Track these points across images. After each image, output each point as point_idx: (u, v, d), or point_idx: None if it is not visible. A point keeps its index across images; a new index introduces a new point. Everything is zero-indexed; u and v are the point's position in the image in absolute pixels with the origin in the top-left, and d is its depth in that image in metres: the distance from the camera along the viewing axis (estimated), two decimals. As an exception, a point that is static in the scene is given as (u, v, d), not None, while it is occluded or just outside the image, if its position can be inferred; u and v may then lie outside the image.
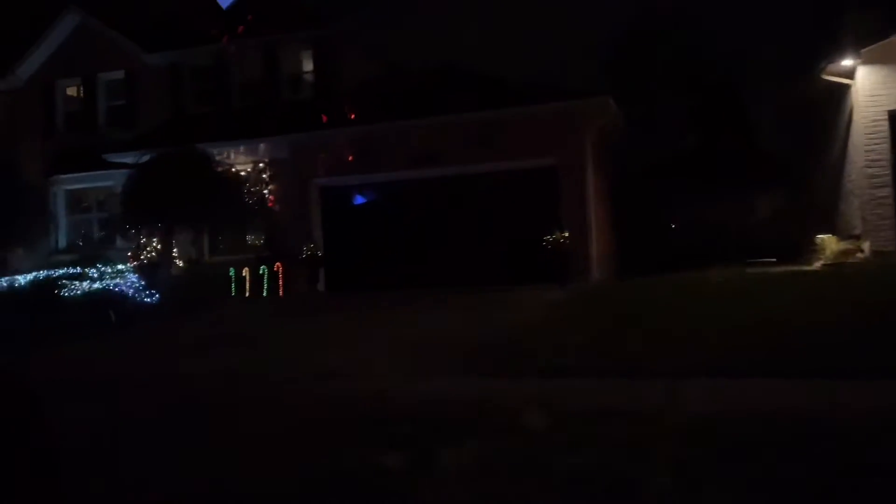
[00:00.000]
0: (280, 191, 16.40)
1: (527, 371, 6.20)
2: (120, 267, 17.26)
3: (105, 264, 18.04)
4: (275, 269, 15.31)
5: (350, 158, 15.27)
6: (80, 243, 19.87)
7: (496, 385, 5.83)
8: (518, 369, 6.36)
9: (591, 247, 13.72)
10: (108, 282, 16.09)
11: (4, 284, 16.66)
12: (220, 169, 14.62)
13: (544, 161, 13.89)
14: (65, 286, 14.51)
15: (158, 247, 16.73)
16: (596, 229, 14.03)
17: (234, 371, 7.25)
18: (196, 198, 13.30)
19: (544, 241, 13.08)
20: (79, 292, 14.06)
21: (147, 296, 12.96)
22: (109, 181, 19.11)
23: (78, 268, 17.64)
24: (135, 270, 16.63)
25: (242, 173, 15.35)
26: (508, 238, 14.24)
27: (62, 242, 19.78)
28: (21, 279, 18.08)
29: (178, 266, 17.10)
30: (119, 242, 19.25)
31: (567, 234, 13.03)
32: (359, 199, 15.74)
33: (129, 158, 17.29)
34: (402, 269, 14.84)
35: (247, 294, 15.50)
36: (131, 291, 12.96)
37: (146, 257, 16.64)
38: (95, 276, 16.98)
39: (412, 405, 5.15)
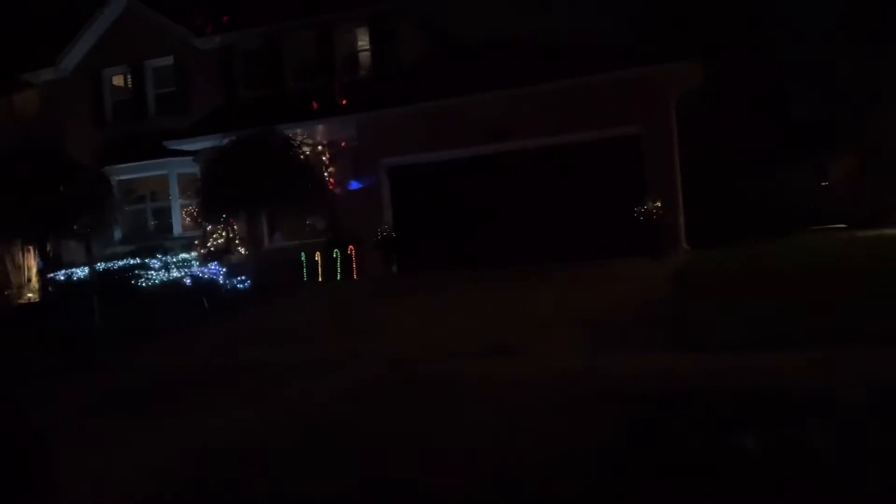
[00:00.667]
0: (345, 172, 16.04)
1: (719, 343, 5.85)
2: (184, 256, 17.00)
3: (165, 254, 17.79)
4: (348, 251, 14.99)
5: (419, 136, 14.88)
6: (135, 234, 19.58)
7: (707, 360, 5.49)
8: (702, 342, 6.01)
9: (679, 217, 13.33)
10: (176, 271, 15.83)
11: (77, 276, 16.43)
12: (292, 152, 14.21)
13: (626, 130, 13.48)
14: (139, 277, 14.23)
15: (224, 233, 16.47)
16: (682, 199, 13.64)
17: (400, 353, 6.96)
18: (278, 181, 12.93)
19: (635, 212, 12.69)
20: (156, 282, 13.78)
21: (232, 283, 12.61)
22: (163, 170, 18.83)
23: (137, 258, 17.41)
24: (201, 258, 16.38)
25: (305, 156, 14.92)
26: (589, 212, 13.84)
27: (118, 234, 19.48)
28: (79, 272, 17.86)
29: (240, 253, 16.83)
30: (177, 231, 18.99)
31: (659, 205, 12.63)
32: (428, 178, 15.30)
33: (188, 145, 16.99)
34: (475, 247, 14.52)
35: (319, 278, 15.21)
36: (218, 279, 12.59)
37: (213, 245, 16.39)
38: (157, 266, 16.73)
39: (637, 380, 4.82)
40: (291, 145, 13.83)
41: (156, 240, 18.75)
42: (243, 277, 12.96)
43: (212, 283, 12.16)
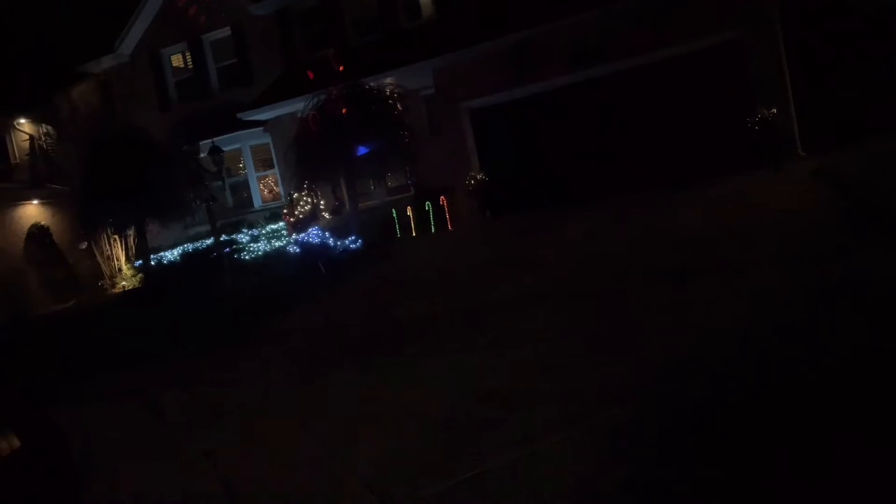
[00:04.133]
0: (422, 122, 15.54)
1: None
2: (272, 227, 16.86)
3: (249, 228, 17.71)
4: (440, 202, 14.58)
5: (500, 74, 14.22)
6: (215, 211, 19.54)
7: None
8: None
9: (793, 123, 12.45)
10: (269, 242, 15.70)
11: (168, 258, 16.52)
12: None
13: (727, 36, 12.58)
14: (240, 251, 14.12)
15: (310, 199, 16.22)
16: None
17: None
18: (376, 135, 12.49)
19: (748, 122, 11.88)
20: (259, 254, 13.65)
21: (343, 245, 12.33)
22: (236, 144, 18.64)
23: (223, 235, 17.36)
24: (290, 227, 16.22)
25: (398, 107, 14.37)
26: (691, 130, 13.09)
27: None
28: (169, 255, 17.96)
29: (325, 218, 16.60)
30: (257, 204, 18.89)
31: (774, 111, 11.79)
32: (513, 117, 14.66)
33: (260, 115, 16.68)
34: (572, 183, 13.93)
35: (413, 233, 14.87)
36: (328, 242, 12.31)
37: (301, 212, 16.19)
38: (247, 239, 16.65)
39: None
40: (384, 97, 13.28)
41: (236, 215, 18.71)
42: (353, 238, 12.66)
43: (323, 246, 11.88)
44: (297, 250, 12.28)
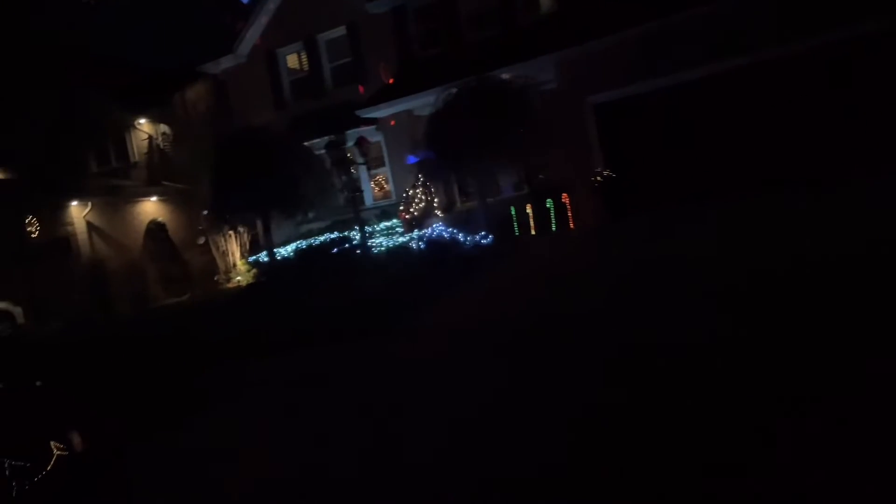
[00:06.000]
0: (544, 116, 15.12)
1: None
2: (385, 224, 16.83)
3: (362, 226, 17.73)
4: (562, 200, 14.14)
5: (628, 67, 13.67)
6: (326, 209, 19.71)
7: None
8: None
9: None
10: (385, 239, 15.65)
11: (282, 255, 16.74)
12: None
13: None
14: (359, 246, 14.11)
15: (425, 196, 16.10)
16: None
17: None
18: (508, 129, 12.20)
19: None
20: (382, 250, 13.59)
21: (473, 240, 12.08)
22: (349, 142, 18.74)
23: (335, 232, 17.46)
24: (405, 224, 16.14)
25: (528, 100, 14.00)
26: (855, 122, 12.09)
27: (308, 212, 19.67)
28: (283, 251, 18.17)
29: (437, 216, 16.42)
30: (369, 202, 18.94)
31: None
32: (643, 112, 14.08)
33: (377, 112, 16.68)
34: (700, 182, 13.20)
35: (532, 231, 14.49)
36: (458, 238, 12.09)
37: (416, 209, 16.09)
38: (356, 237, 16.66)
39: None
40: (515, 90, 12.96)
41: (347, 213, 18.77)
42: (483, 233, 12.41)
43: (452, 242, 11.67)
44: (422, 246, 12.09)
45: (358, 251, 13.94)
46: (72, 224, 20.83)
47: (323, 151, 16.80)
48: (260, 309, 11.59)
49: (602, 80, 14.06)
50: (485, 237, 12.25)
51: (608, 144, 14.44)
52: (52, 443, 3.37)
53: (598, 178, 13.61)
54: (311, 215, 19.51)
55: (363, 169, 19.04)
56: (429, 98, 15.61)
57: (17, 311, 19.23)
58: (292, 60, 20.30)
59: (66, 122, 23.77)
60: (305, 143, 16.28)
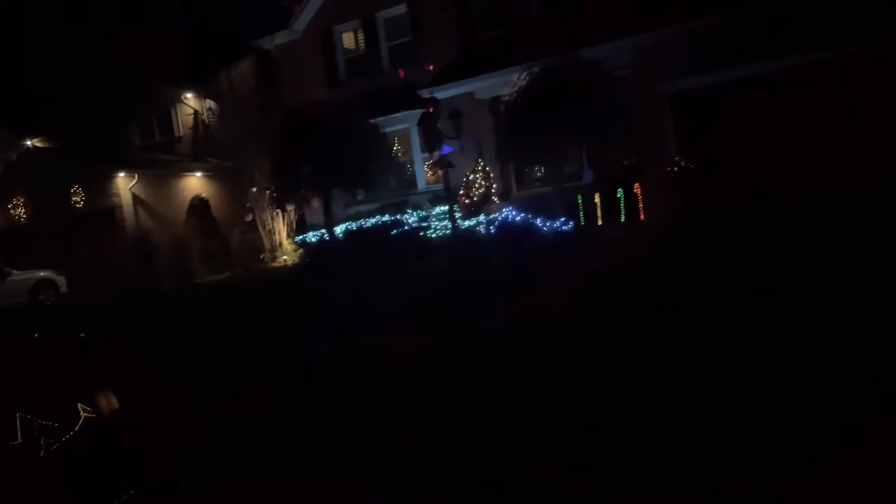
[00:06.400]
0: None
1: None
2: (441, 209, 16.37)
3: (414, 209, 17.32)
4: (633, 190, 13.60)
5: (708, 55, 13.09)
6: (377, 191, 19.33)
7: None
8: None
9: None
10: (439, 223, 15.23)
11: (327, 235, 16.39)
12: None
13: None
14: (421, 228, 13.69)
15: (485, 181, 15.65)
16: None
17: None
18: (590, 114, 11.67)
19: None
20: (444, 234, 13.15)
21: (550, 226, 11.60)
22: (404, 123, 18.32)
23: (387, 215, 17.06)
24: (463, 210, 15.70)
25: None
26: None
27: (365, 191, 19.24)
28: (337, 230, 17.80)
29: (495, 202, 15.96)
30: (421, 186, 18.51)
31: None
32: (721, 103, 13.49)
33: (440, 93, 16.20)
34: (779, 180, 12.59)
35: (599, 221, 13.96)
36: (535, 223, 11.61)
37: (475, 194, 15.64)
38: (415, 220, 16.25)
39: None
40: (600, 73, 12.41)
41: (398, 196, 18.38)
42: (563, 219, 11.93)
43: (526, 227, 11.18)
44: (492, 230, 11.62)
45: (421, 233, 13.49)
46: (118, 195, 20.63)
47: (387, 130, 16.40)
48: (324, 288, 11.17)
49: (680, 68, 13.49)
50: (565, 223, 11.74)
51: (683, 135, 13.88)
52: (79, 405, 3.30)
53: (675, 169, 13.05)
54: (360, 196, 19.17)
55: (417, 152, 18.63)
56: (496, 80, 15.17)
57: (61, 280, 19.05)
58: (348, 39, 19.90)
59: (113, 93, 23.61)
60: (372, 121, 15.78)
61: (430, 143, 13.63)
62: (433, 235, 13.36)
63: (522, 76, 12.94)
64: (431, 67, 17.23)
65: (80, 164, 21.42)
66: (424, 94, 15.98)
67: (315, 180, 14.56)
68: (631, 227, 13.02)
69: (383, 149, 15.94)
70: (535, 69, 12.70)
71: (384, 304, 8.79)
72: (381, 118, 18.03)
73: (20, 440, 3.09)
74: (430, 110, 13.54)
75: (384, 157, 15.95)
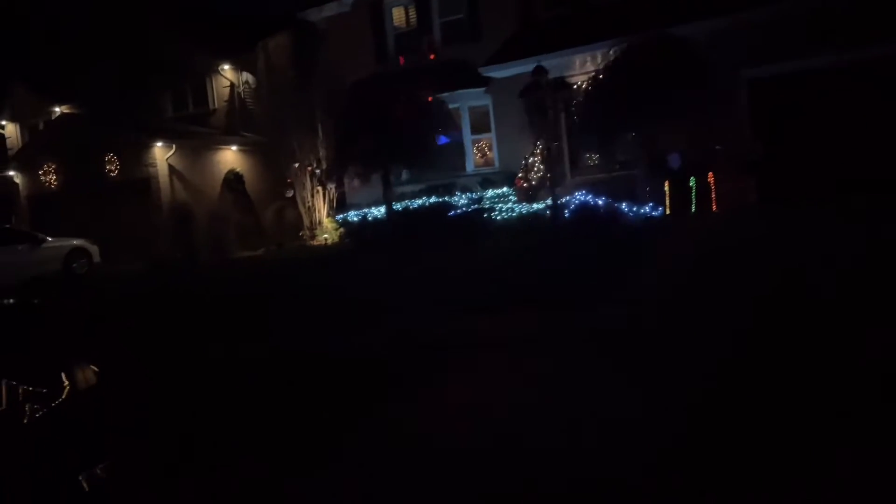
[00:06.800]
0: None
1: None
2: (496, 191, 15.85)
3: (463, 191, 16.79)
4: (707, 179, 13.04)
5: (791, 40, 12.50)
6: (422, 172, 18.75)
7: None
8: None
9: None
10: (494, 206, 14.70)
11: (374, 215, 15.90)
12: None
13: None
14: (490, 210, 13.15)
15: (542, 164, 15.09)
16: None
17: None
18: (686, 100, 11.05)
19: None
20: (509, 216, 12.60)
21: (636, 211, 11.02)
22: (455, 103, 17.72)
23: (433, 196, 16.55)
24: (520, 193, 15.19)
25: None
26: None
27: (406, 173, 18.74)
28: (376, 211, 17.29)
29: (547, 186, 15.41)
30: (469, 168, 17.96)
31: None
32: (804, 92, 12.90)
33: (500, 72, 15.62)
34: (871, 170, 11.99)
35: (667, 210, 13.39)
36: (619, 207, 11.02)
37: (533, 177, 15.11)
38: (466, 202, 15.73)
39: None
40: (692, 53, 11.77)
41: (445, 178, 17.81)
42: (652, 204, 11.38)
43: (611, 212, 10.61)
44: (566, 214, 11.05)
45: (484, 215, 12.94)
46: (154, 165, 20.14)
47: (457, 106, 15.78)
48: (385, 271, 10.61)
49: (759, 54, 12.90)
50: (654, 208, 11.18)
51: (760, 124, 13.30)
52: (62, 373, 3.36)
53: (753, 159, 12.47)
54: (404, 177, 18.61)
55: (467, 133, 18.06)
56: (560, 60, 14.61)
57: (94, 249, 18.55)
58: (398, 14, 19.28)
59: (148, 61, 23.05)
60: (440, 96, 15.13)
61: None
62: (499, 218, 12.80)
63: (610, 52, 12.33)
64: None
65: (115, 132, 20.90)
66: (484, 71, 15.41)
67: (375, 156, 13.98)
68: (707, 217, 12.44)
69: (450, 126, 15.35)
70: (620, 46, 12.08)
71: (469, 286, 8.27)
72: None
73: (4, 406, 3.12)
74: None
75: (452, 135, 15.38)
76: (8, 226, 19.87)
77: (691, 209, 13.12)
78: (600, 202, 11.15)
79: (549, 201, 12.61)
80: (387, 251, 12.54)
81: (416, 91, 14.52)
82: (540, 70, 12.89)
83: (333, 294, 9.09)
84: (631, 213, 10.90)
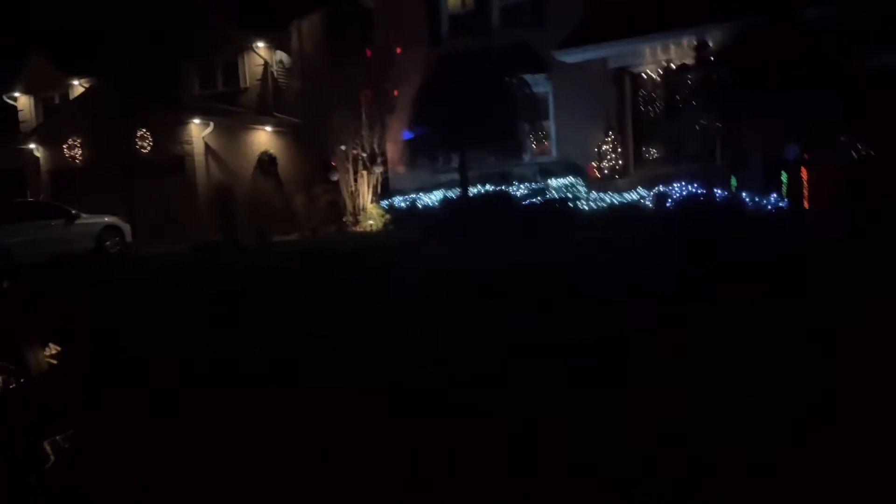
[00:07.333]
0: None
1: None
2: (562, 181, 15.17)
3: (520, 181, 16.12)
4: (799, 174, 12.42)
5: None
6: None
7: None
8: None
9: None
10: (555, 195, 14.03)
11: (424, 202, 15.25)
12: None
13: None
14: (569, 199, 12.49)
15: (614, 153, 14.47)
16: None
17: None
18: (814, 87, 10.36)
19: None
20: (605, 205, 11.92)
21: (761, 205, 10.33)
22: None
23: (487, 185, 15.90)
24: (590, 183, 14.56)
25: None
26: None
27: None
28: (426, 198, 16.61)
29: (617, 178, 14.78)
30: (526, 158, 17.25)
31: None
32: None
33: (576, 56, 14.90)
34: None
35: (805, 203, 12.69)
36: (742, 200, 10.32)
37: (606, 167, 14.48)
38: (525, 192, 15.09)
39: None
40: (821, 38, 11.06)
41: (499, 167, 17.09)
42: (776, 197, 10.73)
43: (730, 204, 9.92)
44: (668, 205, 10.38)
45: (571, 204, 12.24)
46: (189, 143, 19.28)
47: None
48: (467, 257, 9.90)
49: (869, 43, 12.25)
50: (780, 200, 10.53)
51: (861, 118, 12.66)
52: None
53: (858, 155, 11.86)
54: (454, 164, 17.86)
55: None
56: (639, 46, 13.97)
57: (126, 227, 17.69)
58: (454, -6, 18.54)
59: (178, 33, 22.18)
60: (525, 76, 14.37)
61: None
62: (585, 208, 12.11)
63: (727, 34, 11.63)
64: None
65: (149, 107, 19.98)
66: (557, 56, 14.72)
67: (453, 138, 13.24)
68: (802, 213, 11.82)
69: (535, 110, 14.66)
70: (723, 31, 11.36)
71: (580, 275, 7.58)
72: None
73: None
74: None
75: (537, 119, 14.71)
76: (38, 200, 18.98)
77: (803, 203, 12.45)
78: (706, 192, 10.45)
79: (640, 191, 11.95)
80: (460, 240, 11.80)
81: (501, 71, 13.76)
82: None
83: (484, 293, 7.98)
84: (751, 205, 10.22)
